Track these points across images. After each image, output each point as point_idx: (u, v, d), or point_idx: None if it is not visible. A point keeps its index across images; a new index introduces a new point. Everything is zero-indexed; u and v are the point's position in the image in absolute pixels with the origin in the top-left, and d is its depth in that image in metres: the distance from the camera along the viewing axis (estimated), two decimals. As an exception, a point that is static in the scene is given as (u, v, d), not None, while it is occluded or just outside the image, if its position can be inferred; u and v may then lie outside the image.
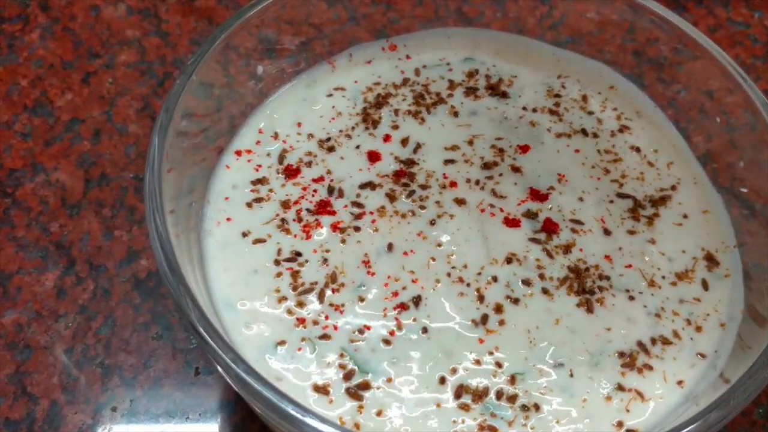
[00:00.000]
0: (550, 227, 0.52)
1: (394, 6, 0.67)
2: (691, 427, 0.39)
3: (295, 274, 0.50)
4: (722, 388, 0.42)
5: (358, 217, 0.52)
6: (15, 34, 0.74)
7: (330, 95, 0.59)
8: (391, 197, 0.53)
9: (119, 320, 0.58)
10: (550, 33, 0.65)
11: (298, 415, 0.38)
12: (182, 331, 0.58)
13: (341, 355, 0.47)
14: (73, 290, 0.60)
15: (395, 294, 0.49)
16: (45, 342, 0.57)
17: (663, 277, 0.51)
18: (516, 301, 0.49)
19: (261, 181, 0.54)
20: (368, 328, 0.48)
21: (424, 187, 0.54)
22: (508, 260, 0.50)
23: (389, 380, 0.46)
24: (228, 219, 0.52)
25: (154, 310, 0.59)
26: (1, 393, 0.55)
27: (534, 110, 0.59)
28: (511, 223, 0.52)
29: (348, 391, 0.45)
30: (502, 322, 0.48)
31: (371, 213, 0.52)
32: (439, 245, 0.51)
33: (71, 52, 0.73)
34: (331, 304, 0.48)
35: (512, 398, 0.45)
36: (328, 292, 0.49)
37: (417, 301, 0.49)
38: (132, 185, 0.65)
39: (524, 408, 0.45)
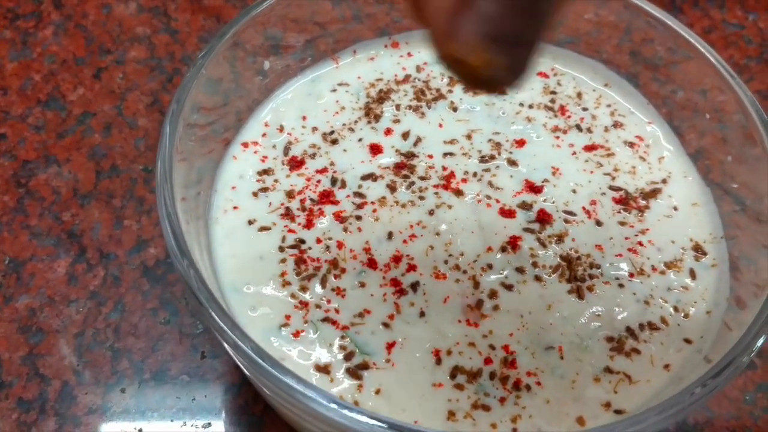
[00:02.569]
0: (543, 218, 0.54)
1: (398, 6, 0.69)
2: (671, 405, 0.41)
3: (298, 261, 0.52)
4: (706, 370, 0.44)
5: (360, 206, 0.54)
6: (29, 31, 0.77)
7: (334, 90, 0.62)
8: (392, 188, 0.55)
9: (128, 306, 0.60)
10: (549, 33, 0.66)
11: (301, 388, 0.40)
12: (189, 317, 0.60)
13: (342, 337, 0.49)
14: (84, 277, 0.62)
15: (394, 280, 0.51)
16: (57, 326, 0.59)
17: (652, 266, 0.53)
18: (510, 287, 0.51)
19: (267, 171, 0.56)
20: (368, 312, 0.50)
21: (423, 178, 0.56)
22: (503, 249, 0.52)
23: (388, 361, 0.48)
24: (235, 207, 0.54)
25: (162, 297, 0.61)
26: (14, 374, 0.57)
27: (530, 106, 0.61)
28: (507, 213, 0.54)
29: (348, 370, 0.47)
30: (496, 307, 0.50)
31: (372, 203, 0.54)
32: (438, 234, 0.53)
33: (83, 49, 0.76)
34: (333, 289, 0.50)
35: (504, 379, 0.47)
36: (331, 278, 0.51)
37: (415, 286, 0.51)
38: (141, 177, 0.67)
39: (516, 388, 0.47)
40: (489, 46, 0.27)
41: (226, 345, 0.42)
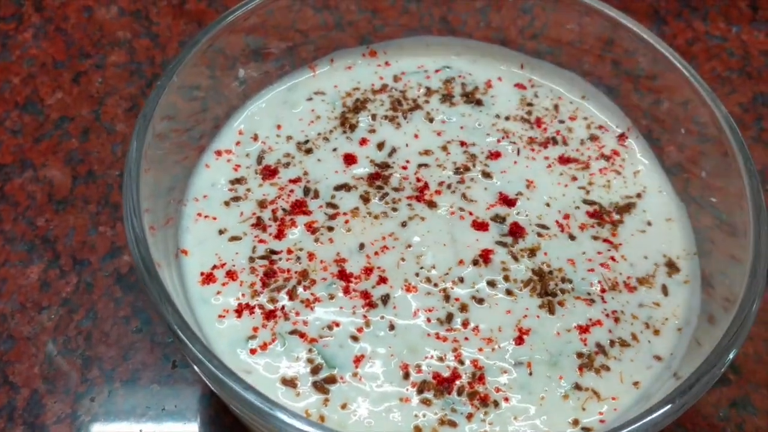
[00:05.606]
0: (516, 231, 0.54)
1: (380, 14, 0.68)
2: (640, 422, 0.41)
3: (268, 272, 0.51)
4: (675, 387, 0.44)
5: (332, 217, 0.54)
6: (9, 33, 0.76)
7: (310, 99, 0.61)
8: (365, 199, 0.55)
9: (100, 313, 0.60)
10: (531, 43, 0.66)
11: (264, 407, 0.40)
12: (160, 326, 0.59)
13: (310, 350, 0.48)
14: (56, 283, 0.61)
15: (365, 292, 0.50)
16: (28, 333, 0.59)
17: (624, 282, 0.53)
18: (481, 301, 0.51)
19: (239, 180, 0.56)
20: (337, 324, 0.49)
21: (397, 189, 0.56)
22: (475, 262, 0.52)
23: (355, 375, 0.47)
24: (206, 216, 0.54)
25: (134, 305, 0.60)
26: (-17, 381, 0.57)
27: (507, 118, 0.61)
28: (480, 226, 0.54)
29: (315, 384, 0.47)
30: (466, 321, 0.50)
31: (345, 214, 0.54)
32: (409, 246, 0.53)
33: (63, 52, 0.75)
34: (302, 301, 0.50)
35: (472, 395, 0.47)
36: (300, 289, 0.51)
37: (385, 299, 0.50)
38: (117, 183, 0.67)
39: (484, 404, 0.47)
40: None
41: (192, 363, 0.41)
